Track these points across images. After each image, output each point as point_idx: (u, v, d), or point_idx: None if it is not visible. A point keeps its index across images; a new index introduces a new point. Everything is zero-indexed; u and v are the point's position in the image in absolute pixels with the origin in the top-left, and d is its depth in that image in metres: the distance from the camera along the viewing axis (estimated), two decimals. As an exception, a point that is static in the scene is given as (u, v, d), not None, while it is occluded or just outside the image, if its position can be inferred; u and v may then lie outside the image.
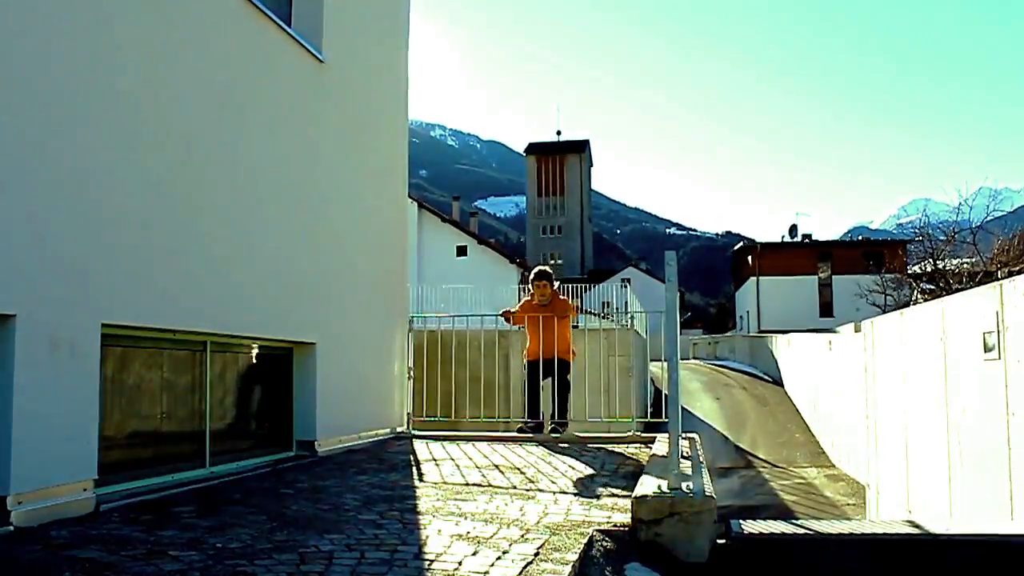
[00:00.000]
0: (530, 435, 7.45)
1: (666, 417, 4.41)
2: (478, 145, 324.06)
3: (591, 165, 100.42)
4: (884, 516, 8.12)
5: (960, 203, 35.32)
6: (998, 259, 31.21)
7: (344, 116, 7.32)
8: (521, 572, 2.92)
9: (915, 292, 33.63)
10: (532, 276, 8.34)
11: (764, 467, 16.80)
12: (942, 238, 35.48)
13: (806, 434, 18.90)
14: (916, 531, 3.86)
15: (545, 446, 6.91)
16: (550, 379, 7.84)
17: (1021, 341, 4.96)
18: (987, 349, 5.41)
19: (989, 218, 36.53)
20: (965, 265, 34.04)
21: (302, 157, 6.54)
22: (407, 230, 8.94)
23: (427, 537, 3.48)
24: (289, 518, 3.93)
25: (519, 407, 9.54)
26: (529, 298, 8.30)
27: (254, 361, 6.19)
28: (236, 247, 5.52)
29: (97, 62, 4.25)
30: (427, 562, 3.05)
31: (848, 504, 13.47)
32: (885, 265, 41.82)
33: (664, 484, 3.73)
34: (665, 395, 4.63)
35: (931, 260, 35.48)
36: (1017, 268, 22.89)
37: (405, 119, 8.95)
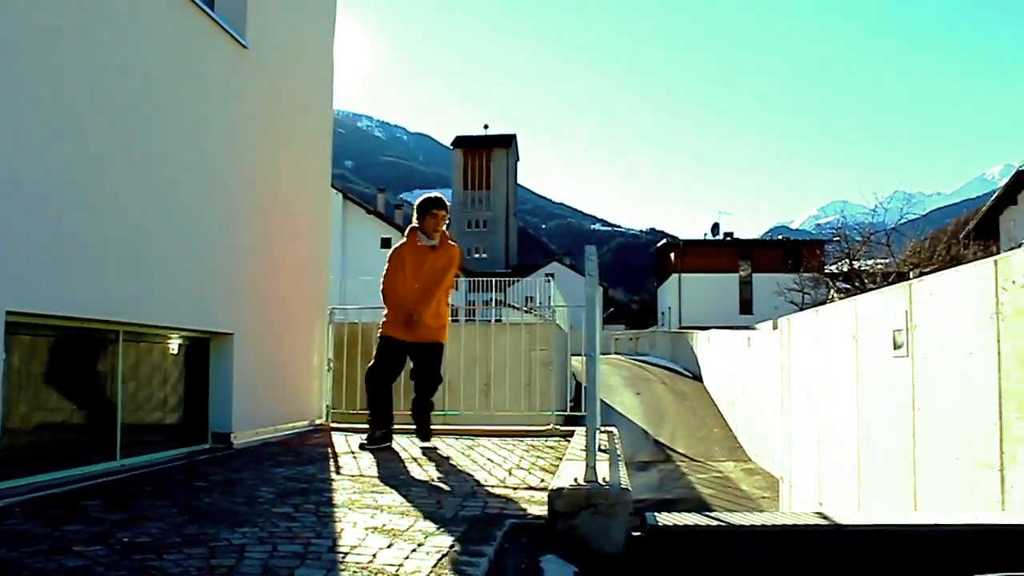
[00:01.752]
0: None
1: (585, 411, 4.43)
2: (405, 137, 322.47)
3: (518, 160, 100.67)
4: (796, 508, 8.30)
5: (876, 206, 36.40)
6: (910, 260, 32.17)
7: (266, 103, 7.20)
8: (436, 564, 2.90)
9: (831, 291, 34.46)
10: (421, 203, 6.46)
11: (683, 461, 17.05)
12: (858, 239, 36.48)
13: (724, 429, 19.23)
14: (824, 522, 3.95)
15: (464, 438, 6.90)
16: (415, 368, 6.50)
17: (928, 339, 5.11)
18: (896, 347, 5.56)
19: (903, 221, 37.68)
20: (879, 266, 35.02)
21: (222, 143, 6.42)
22: (329, 220, 8.84)
23: (342, 530, 3.45)
24: (201, 511, 3.85)
25: (444, 399, 9.53)
26: (408, 238, 6.40)
27: (169, 352, 6.05)
28: (150, 235, 5.39)
29: None
30: (341, 555, 3.02)
31: (763, 497, 13.74)
32: (803, 264, 42.77)
33: (581, 477, 3.75)
34: (585, 388, 4.66)
35: (847, 260, 36.43)
36: (928, 269, 23.57)
37: (330, 108, 8.85)
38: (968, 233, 44.78)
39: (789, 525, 3.97)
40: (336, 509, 3.93)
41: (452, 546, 3.18)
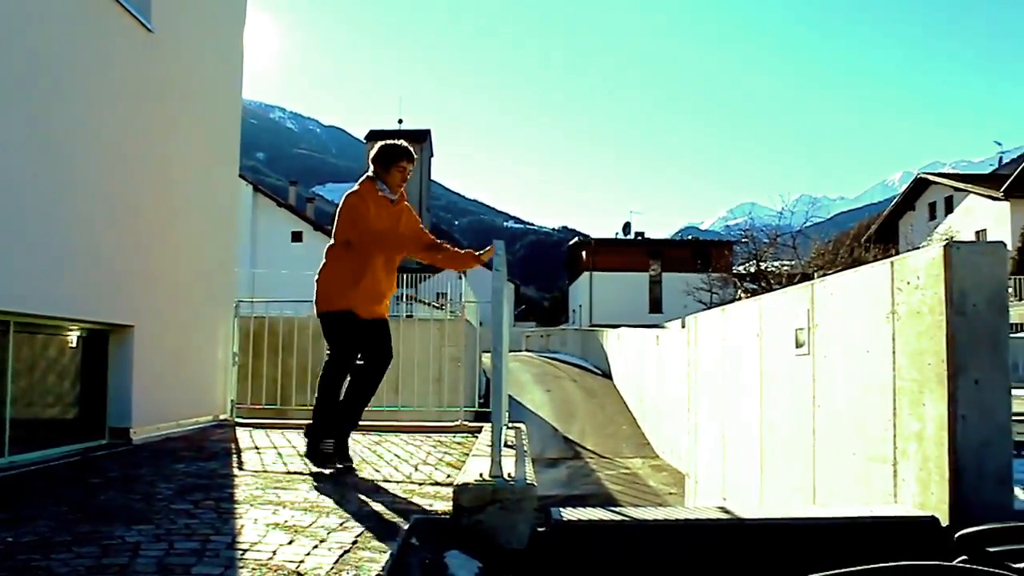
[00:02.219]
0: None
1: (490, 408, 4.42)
2: (318, 130, 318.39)
3: (431, 155, 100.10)
4: (701, 503, 8.44)
5: (783, 209, 37.35)
6: (815, 262, 33.08)
7: (173, 90, 7.01)
8: (338, 560, 2.86)
9: (739, 291, 35.21)
10: (385, 151, 5.40)
11: (591, 458, 17.18)
12: (765, 241, 37.40)
13: (632, 426, 19.44)
14: (726, 516, 4.02)
15: (371, 434, 6.84)
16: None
17: (828, 338, 5.24)
18: (798, 345, 5.68)
19: (808, 224, 38.79)
20: (785, 267, 35.93)
21: (123, 129, 6.22)
22: (236, 212, 8.67)
23: (242, 526, 3.37)
24: (95, 509, 3.73)
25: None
26: (364, 187, 5.23)
27: (65, 344, 5.85)
28: (46, 223, 5.19)
29: None
30: (240, 552, 2.95)
31: (670, 493, 13.93)
32: (712, 264, 43.62)
33: (487, 472, 3.74)
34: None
35: (755, 261, 37.30)
36: (831, 271, 24.23)
37: (239, 97, 8.67)
38: (869, 237, 46.34)
39: (692, 519, 4.03)
40: (237, 505, 3.85)
41: (355, 542, 3.14)
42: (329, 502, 3.95)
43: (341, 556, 2.92)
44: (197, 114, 7.56)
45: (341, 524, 3.44)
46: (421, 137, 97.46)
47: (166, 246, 6.86)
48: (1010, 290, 29.57)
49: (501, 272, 4.02)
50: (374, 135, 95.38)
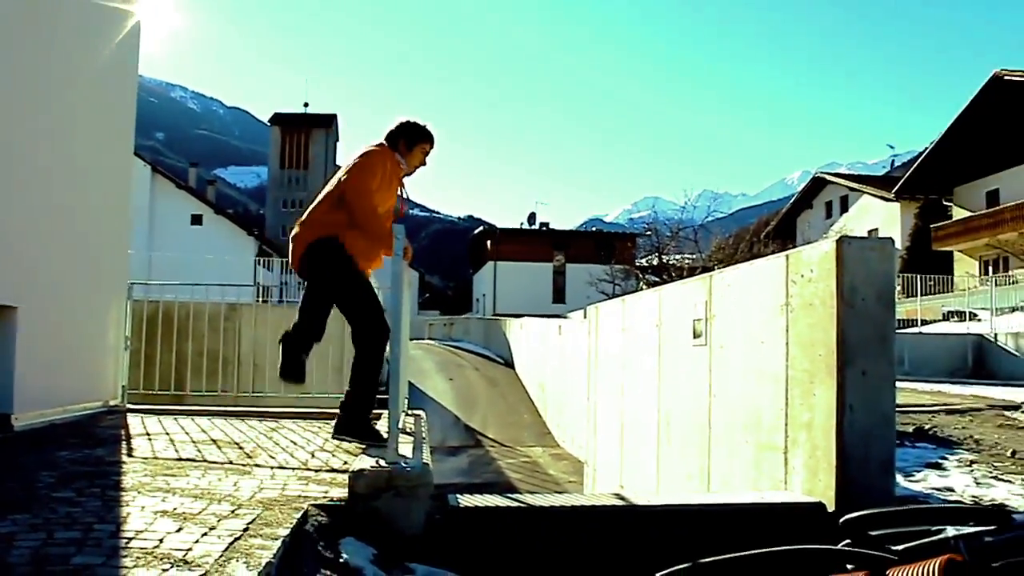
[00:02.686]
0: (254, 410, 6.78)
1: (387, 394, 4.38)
2: (221, 111, 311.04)
3: (337, 140, 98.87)
4: (600, 491, 8.54)
5: (686, 203, 38.10)
6: (715, 256, 33.83)
7: (59, 58, 6.71)
8: (227, 548, 2.79)
9: (641, 283, 35.76)
10: (415, 128, 5.18)
11: (493, 446, 17.22)
12: (668, 234, 38.09)
13: (534, 415, 19.56)
14: (622, 503, 4.07)
15: (268, 420, 6.73)
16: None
17: (725, 329, 5.34)
18: (696, 336, 5.79)
19: (710, 218, 39.68)
20: (687, 260, 36.65)
21: (4, 98, 5.93)
22: (130, 191, 8.38)
23: (128, 514, 3.26)
24: (-33, 498, 3.56)
25: (248, 381, 9.25)
26: (387, 153, 5.02)
27: (-58, 324, 5.58)
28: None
29: None
30: (124, 540, 2.85)
31: (570, 481, 14.07)
32: (615, 256, 44.22)
33: (383, 459, 3.71)
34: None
35: (657, 254, 37.94)
36: (731, 265, 24.79)
37: (134, 71, 8.37)
38: (768, 233, 47.63)
39: (587, 505, 4.07)
40: (124, 493, 3.72)
41: (246, 529, 3.07)
42: (221, 489, 3.86)
43: (231, 544, 2.85)
44: (88, 86, 7.27)
45: (233, 511, 3.36)
46: (327, 122, 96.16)
47: (52, 224, 6.58)
48: (898, 287, 30.70)
49: (399, 257, 3.98)
50: (279, 118, 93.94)
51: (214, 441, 5.53)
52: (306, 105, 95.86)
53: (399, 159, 5.09)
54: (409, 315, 5.34)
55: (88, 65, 7.27)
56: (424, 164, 5.26)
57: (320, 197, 5.03)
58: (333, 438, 5.01)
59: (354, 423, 4.80)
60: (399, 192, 5.17)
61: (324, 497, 3.78)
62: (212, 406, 7.56)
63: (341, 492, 3.82)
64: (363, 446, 4.85)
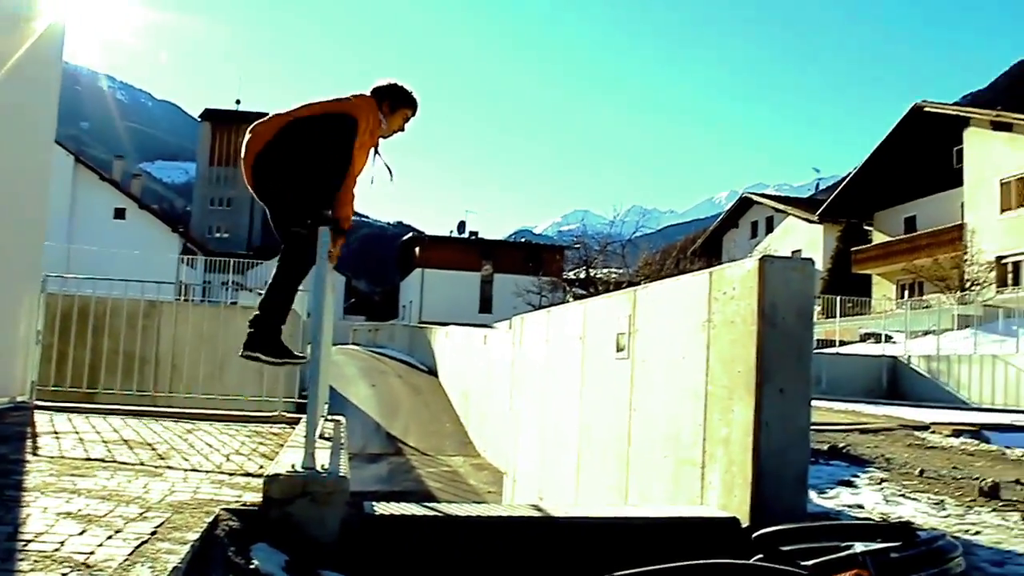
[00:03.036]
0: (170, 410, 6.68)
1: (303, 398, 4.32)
2: (150, 104, 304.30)
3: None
4: (519, 502, 8.53)
5: (615, 218, 38.48)
6: (642, 271, 34.21)
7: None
8: (132, 552, 2.71)
9: (568, 295, 35.97)
10: (400, 91, 4.98)
11: (414, 455, 17.10)
12: (596, 248, 38.41)
13: (456, 424, 19.49)
14: (538, 514, 4.06)
15: (183, 422, 6.58)
16: None
17: (647, 344, 5.38)
18: (619, 349, 5.82)
19: (638, 234, 40.14)
20: (614, 274, 37.00)
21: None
22: (49, 182, 8.13)
23: (29, 516, 3.14)
24: None
25: (166, 381, 9.05)
26: (372, 109, 4.78)
27: None
28: None
29: None
30: (22, 543, 2.74)
31: (489, 492, 14.04)
32: (544, 268, 44.44)
33: (299, 464, 3.64)
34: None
35: (585, 267, 38.22)
36: (658, 280, 25.09)
37: (58, 56, 8.13)
38: (695, 250, 48.33)
39: (504, 516, 4.06)
40: (26, 493, 3.59)
41: (154, 533, 2.98)
42: (130, 491, 3.75)
43: (137, 548, 2.76)
44: (3, 72, 7.04)
45: (141, 514, 3.27)
46: (260, 120, 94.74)
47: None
48: (819, 308, 31.39)
49: (323, 259, 3.92)
50: (210, 114, 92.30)
51: (125, 441, 5.38)
52: (238, 102, 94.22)
53: (381, 118, 4.87)
54: (332, 319, 5.27)
55: (5, 48, 7.04)
56: (402, 130, 5.06)
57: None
58: (242, 355, 4.76)
59: (266, 338, 4.63)
60: (372, 153, 4.89)
61: (237, 502, 3.70)
62: (126, 405, 7.36)
63: (255, 497, 3.74)
64: (278, 451, 4.77)
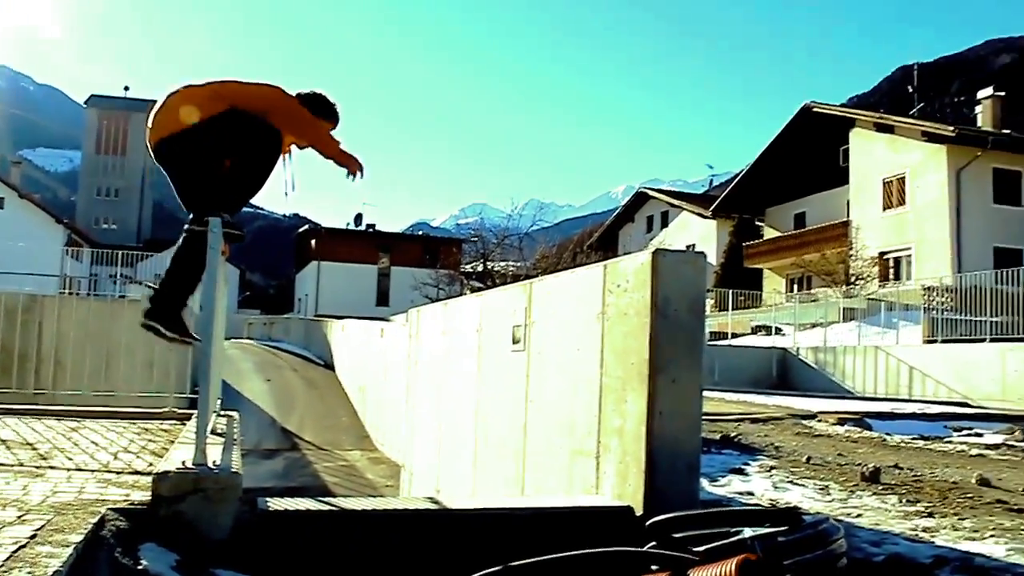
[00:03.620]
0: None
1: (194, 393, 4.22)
2: (31, 88, 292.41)
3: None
4: (415, 495, 8.50)
5: (512, 211, 38.61)
6: (540, 265, 34.45)
7: None
8: (9, 557, 2.60)
9: (465, 288, 36.00)
10: (325, 102, 4.83)
11: (310, 449, 16.89)
12: (494, 241, 38.52)
13: (353, 418, 19.32)
14: (435, 507, 4.06)
15: (67, 420, 6.35)
16: None
17: (543, 335, 5.42)
18: (515, 341, 5.84)
19: (535, 227, 40.38)
20: (511, 268, 37.18)
21: None
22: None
23: None
24: None
25: (48, 379, 8.73)
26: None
27: None
28: None
29: None
30: None
31: (387, 485, 13.95)
32: (441, 261, 44.37)
33: (189, 460, 3.56)
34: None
35: (482, 260, 38.29)
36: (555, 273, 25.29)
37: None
38: (592, 244, 48.92)
39: (400, 509, 4.04)
40: None
41: (33, 536, 2.87)
42: (8, 493, 3.60)
43: (14, 552, 2.65)
44: None
45: (20, 517, 3.14)
46: (149, 108, 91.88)
47: None
48: (712, 301, 32.13)
49: (215, 251, 3.83)
50: (96, 100, 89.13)
51: (3, 441, 5.17)
52: (127, 88, 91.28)
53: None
54: (224, 312, 5.17)
55: None
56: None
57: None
58: (141, 325, 4.46)
59: (167, 310, 4.39)
60: (286, 160, 4.69)
61: (125, 501, 3.59)
62: (4, 404, 7.07)
63: (144, 495, 3.64)
64: (168, 448, 4.65)
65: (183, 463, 3.56)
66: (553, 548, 3.09)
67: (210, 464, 3.56)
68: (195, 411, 6.62)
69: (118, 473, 4.28)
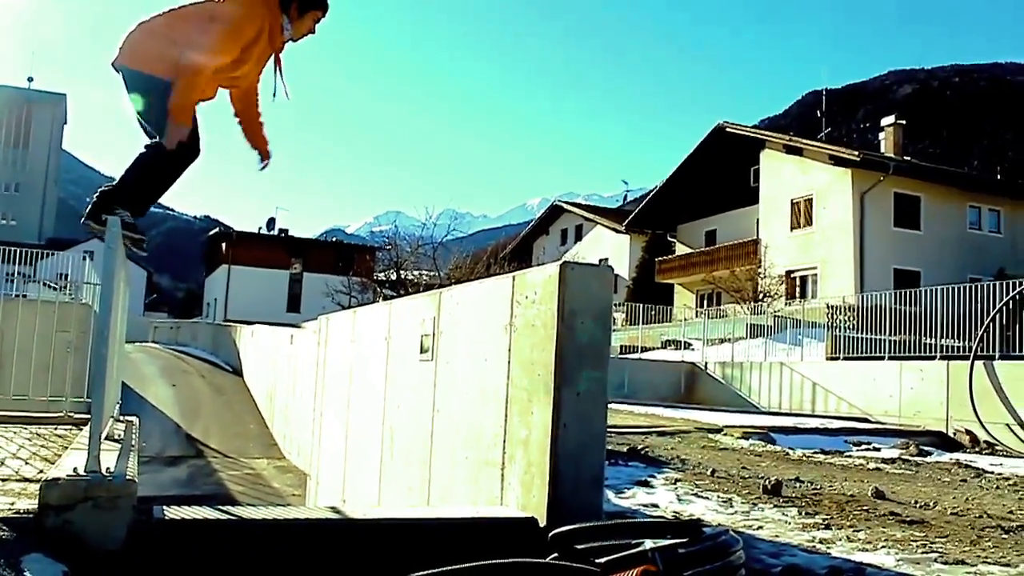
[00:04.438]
0: None
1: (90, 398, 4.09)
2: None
3: (65, 122, 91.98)
4: (321, 504, 8.39)
5: (427, 220, 38.52)
6: (454, 275, 34.40)
7: None
8: None
9: (378, 296, 35.78)
10: None
11: (215, 457, 16.57)
12: (408, 250, 38.37)
13: (261, 426, 19.01)
14: (338, 516, 4.01)
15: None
16: None
17: (452, 345, 5.40)
18: (423, 350, 5.82)
19: (450, 237, 40.37)
20: (425, 277, 37.08)
21: None
22: None
23: None
24: None
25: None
26: (285, 28, 4.40)
27: None
28: None
29: None
30: None
31: (293, 494, 13.74)
32: (354, 268, 43.97)
33: (81, 467, 3.44)
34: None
35: (396, 269, 38.11)
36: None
37: None
38: (506, 255, 49.09)
39: (303, 518, 3.97)
40: None
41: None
42: None
43: None
44: None
45: None
46: (55, 101, 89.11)
47: None
48: (623, 315, 32.49)
49: (112, 250, 3.72)
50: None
51: None
52: (30, 80, 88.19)
53: (285, 22, 4.39)
54: (125, 313, 5.03)
55: None
56: (313, 33, 4.55)
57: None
58: (82, 223, 4.21)
59: (106, 204, 4.13)
60: (275, 68, 4.47)
61: (9, 509, 3.46)
62: None
63: (31, 504, 3.51)
64: (61, 454, 4.50)
65: (75, 470, 3.44)
66: (457, 559, 3.07)
67: (103, 471, 3.45)
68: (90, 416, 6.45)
69: (4, 480, 4.13)
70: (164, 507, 3.76)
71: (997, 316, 15.08)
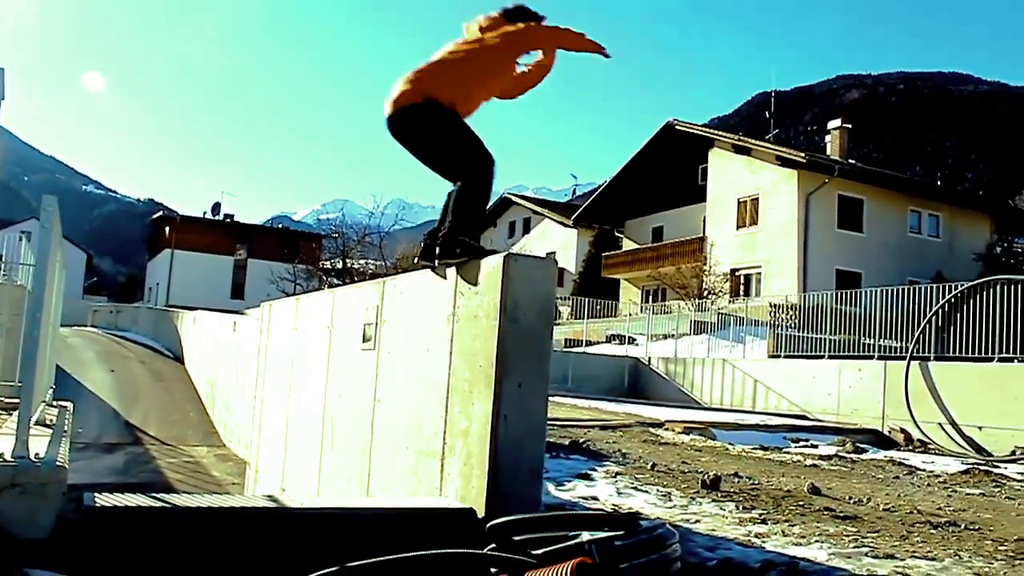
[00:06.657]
0: None
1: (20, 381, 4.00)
2: None
3: (3, 98, 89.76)
4: (260, 493, 8.31)
5: (375, 209, 38.33)
6: (400, 265, 34.33)
7: None
8: None
9: (324, 284, 35.52)
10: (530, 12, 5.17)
11: (154, 444, 16.35)
12: (355, 238, 38.16)
13: (201, 413, 18.80)
14: (275, 505, 3.97)
15: None
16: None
17: (394, 335, 5.38)
18: (365, 340, 5.78)
19: (397, 227, 40.19)
20: (371, 266, 36.91)
21: None
22: None
23: None
24: None
25: None
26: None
27: None
28: None
29: None
30: None
31: (233, 483, 13.59)
32: (300, 255, 43.60)
33: (8, 452, 3.36)
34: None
35: (342, 257, 37.88)
36: (413, 273, 25.20)
37: None
38: (453, 246, 48.96)
39: (239, 507, 3.93)
40: None
41: None
42: None
43: None
44: None
45: None
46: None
47: None
48: (569, 309, 32.62)
49: (47, 230, 3.64)
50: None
51: None
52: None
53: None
54: (60, 296, 4.93)
55: None
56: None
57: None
58: (437, 264, 4.82)
59: (454, 241, 4.64)
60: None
61: (-69, 495, 3.37)
62: None
63: (-44, 490, 3.42)
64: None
65: (1, 455, 3.36)
66: (395, 549, 3.06)
67: (32, 457, 3.38)
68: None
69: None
70: (95, 494, 3.68)
71: (933, 318, 15.40)
